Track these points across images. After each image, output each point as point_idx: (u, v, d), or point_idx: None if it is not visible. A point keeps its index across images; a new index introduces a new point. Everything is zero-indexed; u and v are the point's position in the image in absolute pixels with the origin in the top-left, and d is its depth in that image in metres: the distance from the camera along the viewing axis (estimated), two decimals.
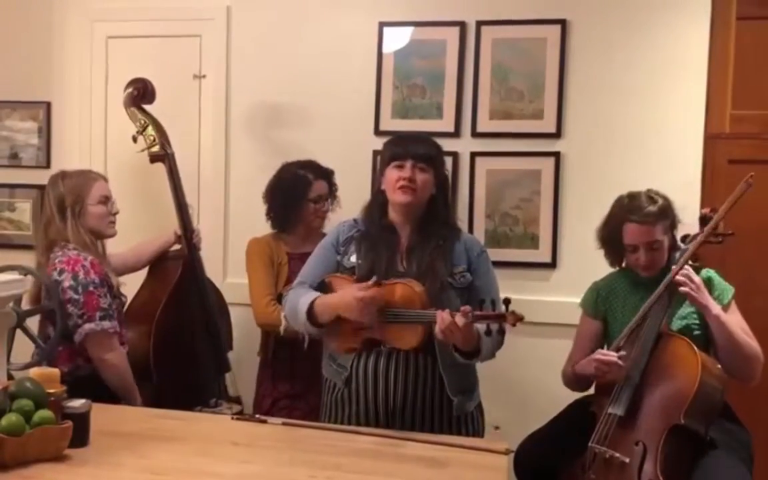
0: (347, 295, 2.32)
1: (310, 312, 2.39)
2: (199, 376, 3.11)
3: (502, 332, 2.21)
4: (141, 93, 3.17)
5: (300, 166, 3.16)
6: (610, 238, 2.65)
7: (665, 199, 2.59)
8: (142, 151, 3.19)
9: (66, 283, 2.61)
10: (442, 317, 2.19)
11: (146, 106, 3.21)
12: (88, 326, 2.62)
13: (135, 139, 3.20)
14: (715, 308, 2.45)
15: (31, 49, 3.80)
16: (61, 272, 2.63)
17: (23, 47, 3.81)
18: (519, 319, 2.15)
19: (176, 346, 3.04)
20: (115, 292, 2.79)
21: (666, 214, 2.56)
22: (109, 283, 2.74)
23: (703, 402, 2.32)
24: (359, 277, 2.41)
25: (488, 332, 2.20)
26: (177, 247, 3.19)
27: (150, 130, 3.16)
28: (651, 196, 2.59)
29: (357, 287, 2.32)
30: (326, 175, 3.18)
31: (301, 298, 2.43)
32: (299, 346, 2.87)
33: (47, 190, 2.82)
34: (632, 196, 2.61)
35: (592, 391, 2.64)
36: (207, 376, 3.15)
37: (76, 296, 2.60)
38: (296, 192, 3.11)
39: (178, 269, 3.12)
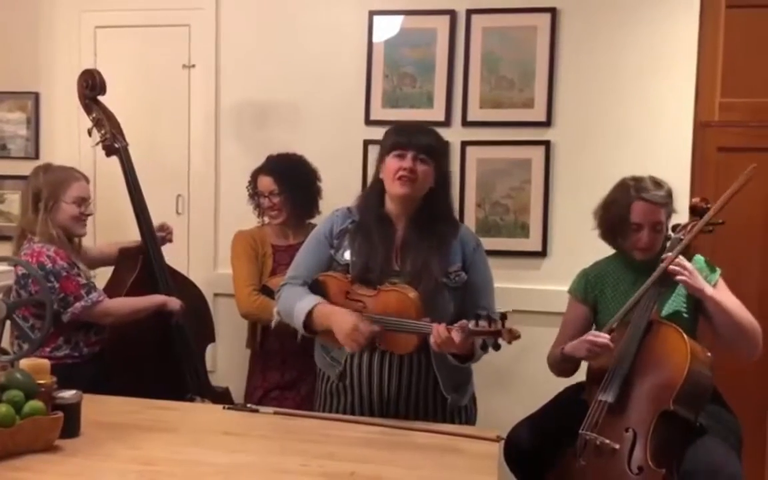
0: (345, 324, 2.25)
1: (307, 320, 2.35)
2: (161, 378, 2.92)
3: (497, 347, 2.14)
4: (91, 85, 3.06)
5: (267, 159, 3.18)
6: (614, 216, 2.63)
7: (668, 186, 2.62)
8: (96, 144, 3.12)
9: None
10: (438, 332, 2.16)
11: (100, 98, 3.08)
12: (79, 304, 2.72)
13: (90, 133, 3.15)
14: (710, 290, 2.47)
15: (19, 39, 3.78)
16: None
17: (11, 38, 3.78)
18: (516, 337, 2.11)
19: (132, 349, 2.90)
20: (85, 275, 2.84)
21: (671, 199, 2.60)
22: (79, 267, 2.80)
23: (693, 388, 2.33)
24: (354, 276, 2.37)
25: (484, 346, 2.16)
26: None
27: (103, 123, 3.05)
28: (656, 180, 2.61)
29: (357, 318, 2.25)
30: (272, 170, 3.11)
31: (297, 303, 2.37)
32: (289, 337, 2.87)
33: (29, 179, 2.86)
34: (637, 179, 2.62)
35: (579, 378, 2.65)
36: (174, 377, 3.01)
37: (48, 284, 2.65)
38: (252, 185, 3.18)
39: (137, 266, 3.02)
